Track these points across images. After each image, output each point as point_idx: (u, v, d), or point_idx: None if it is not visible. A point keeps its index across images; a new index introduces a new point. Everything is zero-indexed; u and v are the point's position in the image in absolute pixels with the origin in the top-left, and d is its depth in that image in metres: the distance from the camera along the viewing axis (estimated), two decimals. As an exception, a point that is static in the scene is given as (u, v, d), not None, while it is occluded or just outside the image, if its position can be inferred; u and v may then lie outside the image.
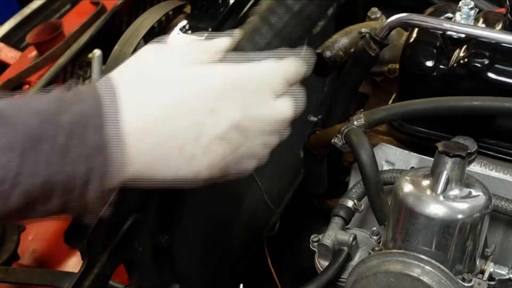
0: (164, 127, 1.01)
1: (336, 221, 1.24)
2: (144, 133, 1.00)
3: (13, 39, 2.21)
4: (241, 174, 1.11)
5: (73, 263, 1.73)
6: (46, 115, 0.93)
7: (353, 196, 1.29)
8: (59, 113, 0.93)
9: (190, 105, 1.03)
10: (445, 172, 1.11)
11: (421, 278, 1.11)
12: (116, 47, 1.70)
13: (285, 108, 1.10)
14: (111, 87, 0.99)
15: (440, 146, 1.11)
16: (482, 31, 1.31)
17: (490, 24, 1.37)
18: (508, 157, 1.34)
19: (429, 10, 1.47)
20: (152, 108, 1.01)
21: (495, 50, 1.31)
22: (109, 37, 1.90)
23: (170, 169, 1.04)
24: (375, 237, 1.22)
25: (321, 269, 1.21)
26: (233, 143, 1.06)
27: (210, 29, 1.49)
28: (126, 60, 1.08)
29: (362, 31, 1.41)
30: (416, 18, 1.35)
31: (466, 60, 1.32)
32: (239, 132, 1.06)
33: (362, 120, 1.30)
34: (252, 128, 1.07)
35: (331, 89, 1.80)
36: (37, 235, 1.78)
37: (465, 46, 1.35)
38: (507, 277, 1.17)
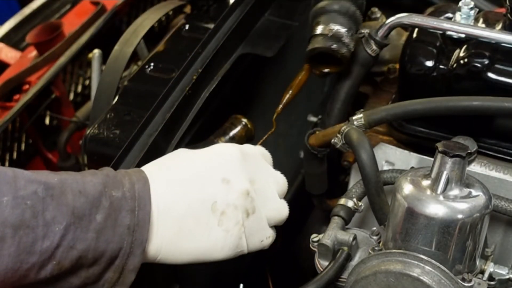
0: (183, 201, 1.10)
1: (336, 221, 1.24)
2: (166, 212, 1.09)
3: (13, 39, 2.21)
4: (261, 245, 1.18)
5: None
6: (90, 198, 1.02)
7: (353, 196, 1.28)
8: (101, 196, 1.03)
9: (204, 177, 1.13)
10: (445, 172, 1.11)
11: (421, 278, 1.11)
12: (116, 47, 1.70)
13: (280, 175, 1.22)
14: (143, 176, 1.09)
15: (440, 146, 1.11)
16: (482, 31, 1.31)
17: (490, 24, 1.37)
18: (508, 157, 1.34)
19: (429, 10, 1.47)
20: (172, 186, 1.11)
21: (495, 50, 1.31)
22: (109, 37, 1.90)
23: (190, 241, 1.11)
24: (375, 237, 1.22)
25: (321, 269, 1.21)
26: (245, 209, 1.13)
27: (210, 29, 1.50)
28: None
29: (362, 31, 1.41)
30: (416, 18, 1.35)
31: (466, 60, 1.32)
32: (250, 199, 1.14)
33: (362, 120, 1.30)
34: (260, 193, 1.16)
35: (331, 89, 1.80)
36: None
37: (465, 46, 1.35)
38: (507, 277, 1.17)
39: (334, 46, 1.36)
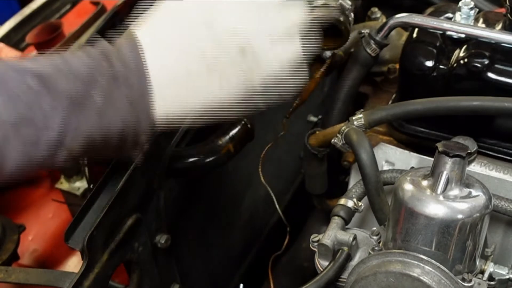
0: (173, 63, 1.06)
1: (336, 221, 1.24)
2: (162, 75, 1.05)
3: (13, 39, 2.21)
4: (268, 100, 1.11)
5: (73, 263, 1.73)
6: (84, 80, 1.00)
7: (353, 196, 1.28)
8: (95, 76, 1.01)
9: (188, 29, 1.07)
10: (445, 172, 1.11)
11: (421, 278, 1.11)
12: (116, 47, 1.70)
13: (295, 14, 1.10)
14: (135, 44, 1.05)
15: (440, 146, 1.11)
16: (482, 31, 1.31)
17: (490, 24, 1.37)
18: (508, 157, 1.34)
19: (429, 10, 1.47)
20: (163, 49, 1.07)
21: (495, 50, 1.31)
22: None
23: (193, 96, 1.07)
24: (375, 237, 1.22)
25: (321, 269, 1.21)
26: (238, 46, 1.07)
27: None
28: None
29: (362, 31, 1.41)
30: (416, 18, 1.35)
31: (466, 60, 1.32)
32: (244, 41, 1.06)
33: (362, 120, 1.30)
34: (257, 37, 1.08)
35: (331, 89, 1.80)
36: (37, 235, 1.79)
37: (465, 46, 1.35)
38: (507, 277, 1.17)
39: (341, 17, 1.32)
